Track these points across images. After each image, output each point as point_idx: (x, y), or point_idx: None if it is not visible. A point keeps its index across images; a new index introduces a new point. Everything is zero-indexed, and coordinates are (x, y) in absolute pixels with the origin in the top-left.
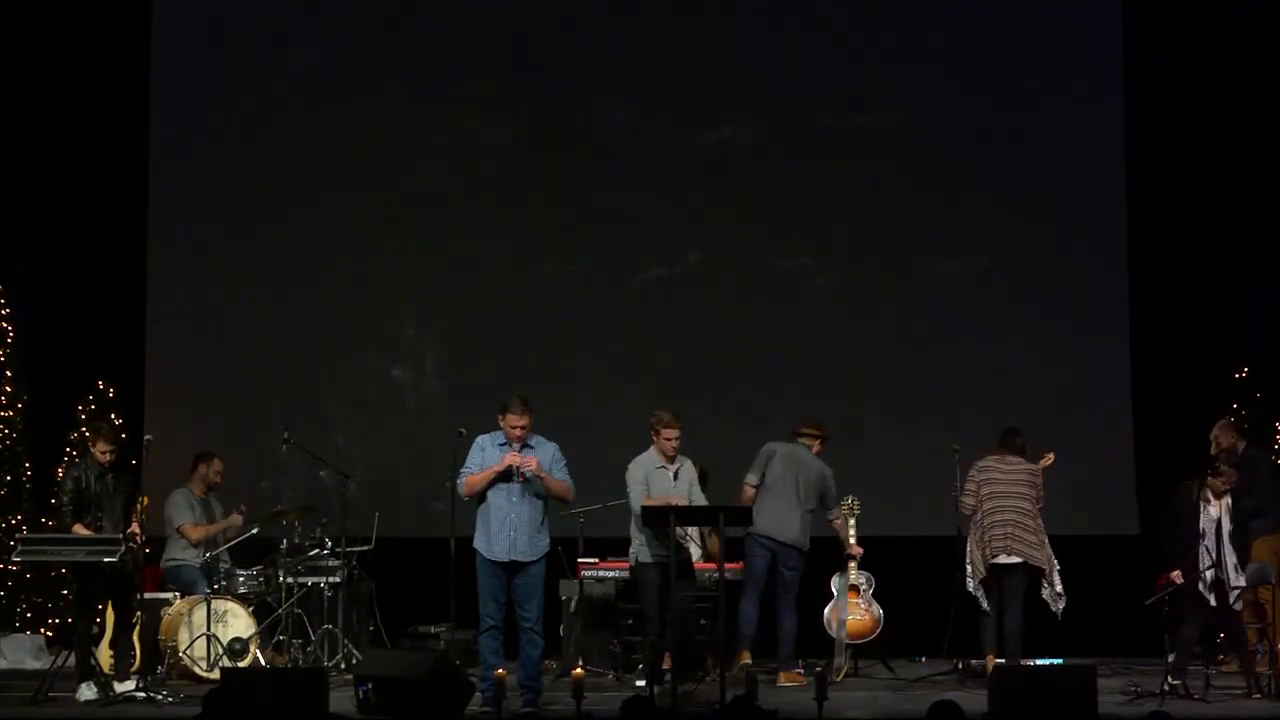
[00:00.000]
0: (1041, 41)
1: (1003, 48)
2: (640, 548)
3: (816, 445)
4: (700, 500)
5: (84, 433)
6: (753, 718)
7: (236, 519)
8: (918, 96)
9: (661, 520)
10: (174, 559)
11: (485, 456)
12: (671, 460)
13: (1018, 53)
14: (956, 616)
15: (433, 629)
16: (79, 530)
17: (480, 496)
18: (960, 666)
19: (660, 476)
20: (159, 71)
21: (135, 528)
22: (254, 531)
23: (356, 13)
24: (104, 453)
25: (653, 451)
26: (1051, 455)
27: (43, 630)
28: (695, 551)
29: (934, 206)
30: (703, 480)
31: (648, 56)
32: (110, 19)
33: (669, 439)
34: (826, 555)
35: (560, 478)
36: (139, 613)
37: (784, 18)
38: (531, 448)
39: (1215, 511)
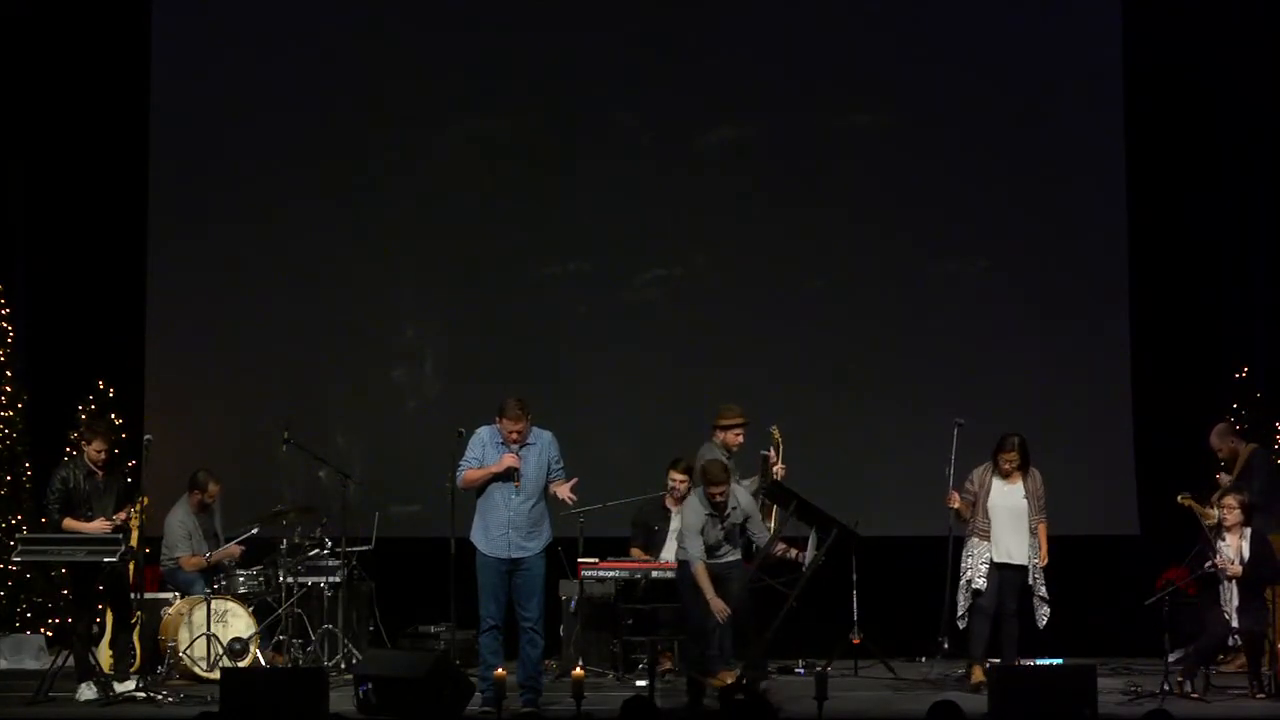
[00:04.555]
0: (1041, 42)
1: (1003, 48)
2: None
3: (719, 435)
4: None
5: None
6: (753, 717)
7: (235, 550)
8: (918, 97)
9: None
10: (173, 562)
11: (485, 453)
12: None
13: (1018, 53)
14: (953, 616)
15: (433, 629)
16: (70, 524)
17: (479, 490)
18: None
19: (711, 524)
20: (159, 70)
21: (123, 515)
22: (254, 532)
23: (355, 13)
24: (99, 451)
25: (703, 500)
26: None
27: (43, 630)
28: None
29: (934, 207)
30: None
31: (649, 56)
32: (110, 20)
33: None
34: None
35: (556, 476)
36: (139, 613)
37: (785, 18)
38: (530, 443)
39: (1231, 551)
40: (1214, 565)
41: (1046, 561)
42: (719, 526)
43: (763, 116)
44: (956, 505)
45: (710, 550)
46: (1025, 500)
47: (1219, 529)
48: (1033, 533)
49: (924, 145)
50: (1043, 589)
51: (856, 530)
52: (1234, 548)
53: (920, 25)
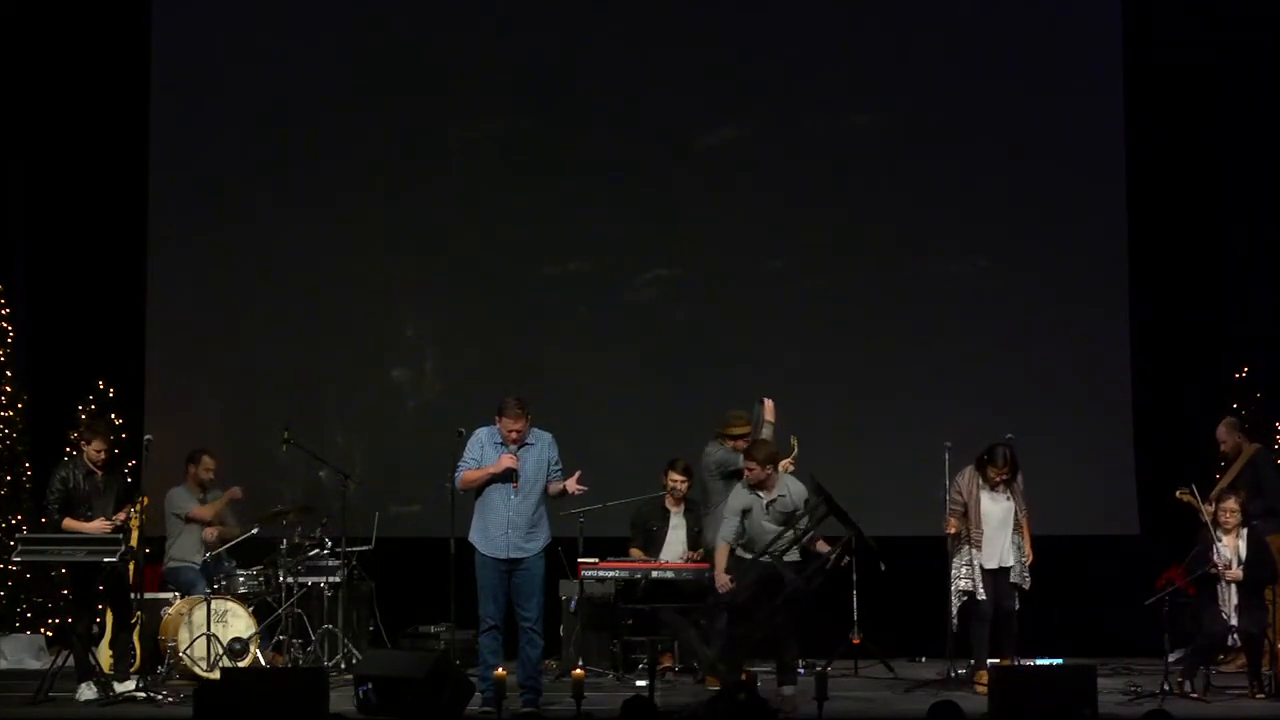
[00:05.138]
0: (1041, 41)
1: (1002, 47)
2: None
3: (729, 444)
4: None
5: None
6: (753, 717)
7: (236, 491)
8: (916, 96)
9: None
10: (174, 560)
11: (484, 453)
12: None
13: (1018, 52)
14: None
15: (433, 629)
16: (69, 523)
17: (478, 491)
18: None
19: (759, 511)
20: (158, 71)
21: (122, 515)
22: (254, 531)
23: (354, 14)
24: (98, 451)
25: (747, 484)
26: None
27: (43, 630)
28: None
29: (934, 207)
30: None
31: (649, 56)
32: (110, 20)
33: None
34: None
35: (555, 476)
36: (139, 613)
37: (784, 18)
38: (530, 444)
39: (1228, 552)
40: (1214, 567)
41: (1033, 557)
42: (765, 515)
43: (762, 117)
44: (954, 530)
45: (757, 544)
46: (1010, 501)
47: (1215, 528)
48: (1018, 530)
49: (924, 146)
50: (1026, 583)
51: (871, 546)
52: (1231, 548)
53: (919, 25)
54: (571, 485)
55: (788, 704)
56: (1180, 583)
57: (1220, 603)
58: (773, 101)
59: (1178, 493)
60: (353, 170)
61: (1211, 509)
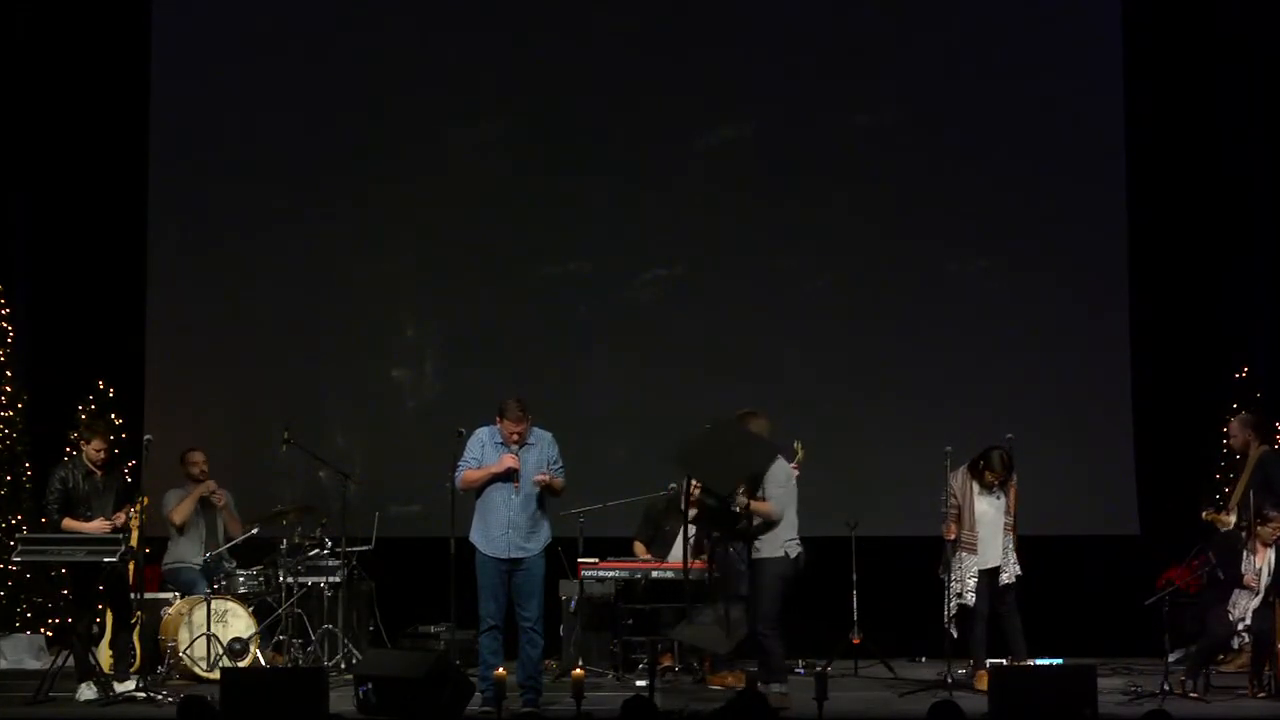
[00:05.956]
0: (1041, 41)
1: (1002, 47)
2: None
3: None
4: None
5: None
6: (753, 717)
7: (210, 484)
8: (916, 97)
9: None
10: (174, 561)
11: (484, 453)
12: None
13: (1017, 52)
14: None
15: (433, 629)
16: (69, 523)
17: (478, 491)
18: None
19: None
20: (159, 71)
21: (121, 516)
22: (254, 531)
23: (354, 14)
24: (98, 450)
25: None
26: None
27: (43, 630)
28: None
29: (934, 207)
30: None
31: (648, 56)
32: (110, 20)
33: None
34: None
35: (555, 474)
36: (139, 613)
37: (784, 17)
38: (530, 443)
39: (1259, 561)
40: (1243, 575)
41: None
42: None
43: (762, 116)
44: (954, 536)
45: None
46: (1003, 501)
47: (1248, 539)
48: (1008, 531)
49: (923, 146)
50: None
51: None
52: (1263, 559)
53: (919, 26)
54: (540, 478)
55: (780, 701)
56: (1180, 582)
57: (1230, 605)
58: (773, 101)
59: (1204, 515)
60: (353, 170)
61: (1230, 518)
